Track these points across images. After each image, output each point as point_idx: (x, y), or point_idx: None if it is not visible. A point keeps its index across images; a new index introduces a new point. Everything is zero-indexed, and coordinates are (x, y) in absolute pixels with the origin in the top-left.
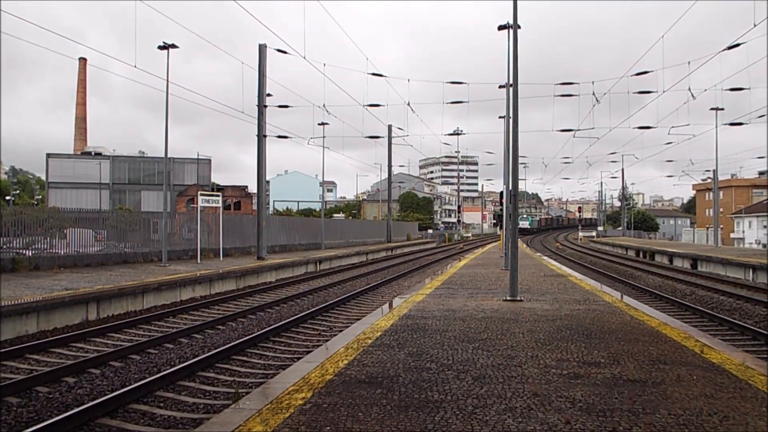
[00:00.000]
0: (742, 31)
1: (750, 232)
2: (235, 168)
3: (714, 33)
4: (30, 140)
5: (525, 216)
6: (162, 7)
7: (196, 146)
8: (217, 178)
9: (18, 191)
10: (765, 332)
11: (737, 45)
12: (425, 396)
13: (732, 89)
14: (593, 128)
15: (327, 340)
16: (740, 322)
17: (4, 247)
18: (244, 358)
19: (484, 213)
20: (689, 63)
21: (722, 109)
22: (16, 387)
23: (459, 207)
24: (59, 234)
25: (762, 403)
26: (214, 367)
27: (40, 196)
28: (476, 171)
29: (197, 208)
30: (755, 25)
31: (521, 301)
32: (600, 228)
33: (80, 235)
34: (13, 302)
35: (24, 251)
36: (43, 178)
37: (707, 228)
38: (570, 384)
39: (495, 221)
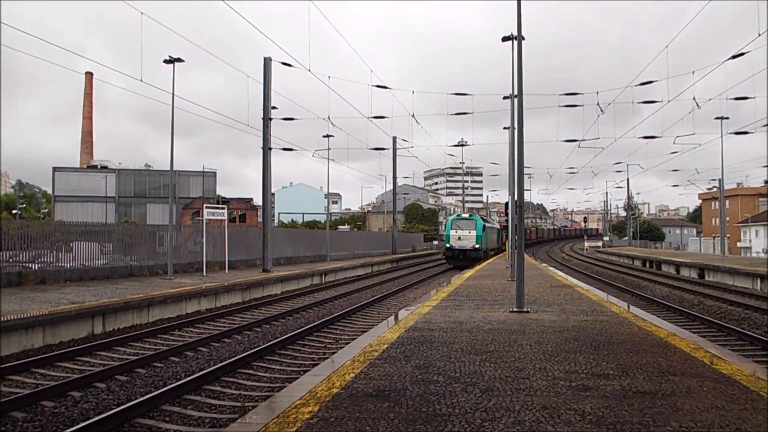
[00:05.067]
0: (746, 38)
1: (757, 241)
2: (237, 181)
3: (718, 40)
4: (35, 154)
5: (468, 216)
6: (163, 19)
7: (198, 159)
8: (219, 190)
9: (24, 205)
10: None
11: (741, 54)
12: (433, 409)
13: (737, 98)
14: (598, 138)
15: (333, 353)
16: (749, 332)
17: (10, 260)
18: (250, 372)
19: None
20: (693, 72)
21: (727, 118)
22: (22, 401)
23: None
24: (65, 247)
25: None
26: (219, 380)
27: (47, 210)
28: (481, 182)
29: (203, 220)
30: (759, 35)
31: (528, 312)
32: (606, 238)
33: (86, 249)
34: (18, 316)
35: (30, 265)
36: (50, 191)
37: (714, 237)
38: (579, 396)
39: None
